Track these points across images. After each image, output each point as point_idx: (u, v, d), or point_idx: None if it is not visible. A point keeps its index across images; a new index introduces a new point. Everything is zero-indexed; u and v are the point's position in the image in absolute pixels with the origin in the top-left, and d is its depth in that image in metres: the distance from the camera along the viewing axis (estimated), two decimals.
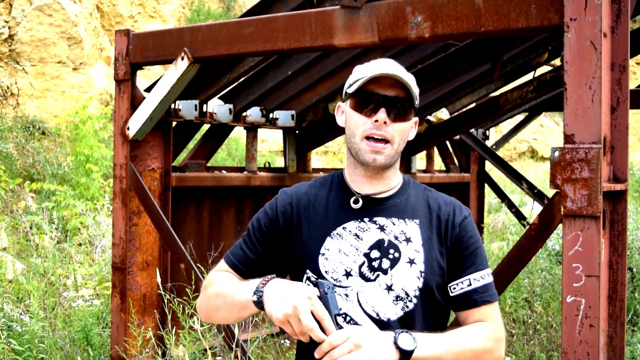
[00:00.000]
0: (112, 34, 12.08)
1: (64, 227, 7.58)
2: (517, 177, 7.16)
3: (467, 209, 2.00)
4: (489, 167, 8.67)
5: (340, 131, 5.94)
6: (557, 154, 2.36)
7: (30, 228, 7.24)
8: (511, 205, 7.84)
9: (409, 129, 1.90)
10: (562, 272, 2.36)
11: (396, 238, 1.89)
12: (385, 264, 1.86)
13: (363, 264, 1.87)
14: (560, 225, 2.60)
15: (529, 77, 6.41)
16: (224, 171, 5.28)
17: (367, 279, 1.85)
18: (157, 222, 4.05)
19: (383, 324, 1.85)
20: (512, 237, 8.64)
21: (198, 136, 7.84)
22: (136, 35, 4.03)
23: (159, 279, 4.03)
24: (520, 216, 7.80)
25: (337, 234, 1.90)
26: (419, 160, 9.27)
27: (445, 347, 1.75)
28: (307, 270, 1.89)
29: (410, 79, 1.88)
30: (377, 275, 1.86)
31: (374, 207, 1.92)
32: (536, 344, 5.19)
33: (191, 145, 8.20)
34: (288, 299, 1.68)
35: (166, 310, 4.04)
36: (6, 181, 7.97)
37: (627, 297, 2.49)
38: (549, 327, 5.35)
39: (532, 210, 9.19)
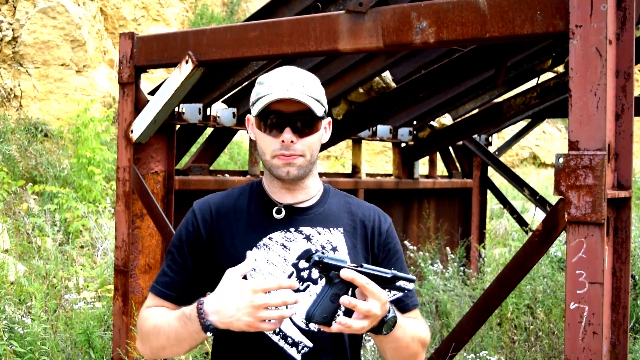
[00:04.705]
0: (116, 37, 12.10)
1: (66, 229, 7.58)
2: (519, 183, 7.16)
3: (389, 217, 2.03)
4: (491, 173, 8.68)
5: (343, 136, 5.94)
6: (561, 160, 2.36)
7: (33, 230, 7.25)
8: (513, 212, 7.83)
9: (318, 138, 1.89)
10: (566, 279, 2.36)
11: (323, 247, 1.89)
12: (315, 274, 1.86)
13: (292, 274, 1.86)
14: (563, 232, 2.60)
15: (532, 83, 6.42)
16: (226, 175, 5.29)
17: (296, 290, 1.82)
18: (159, 225, 4.05)
19: (313, 335, 1.86)
20: (514, 244, 8.64)
21: (201, 140, 7.86)
22: (140, 39, 4.04)
23: None
24: (522, 222, 7.79)
25: (264, 245, 1.88)
26: (422, 166, 9.27)
27: (409, 328, 1.84)
28: None
29: (312, 86, 1.85)
30: (307, 286, 1.86)
31: (297, 216, 1.92)
32: (538, 350, 5.18)
33: (194, 148, 8.22)
34: (233, 305, 1.64)
35: None
36: (9, 183, 7.98)
37: (630, 304, 2.49)
38: (551, 334, 5.34)
39: (534, 216, 9.17)
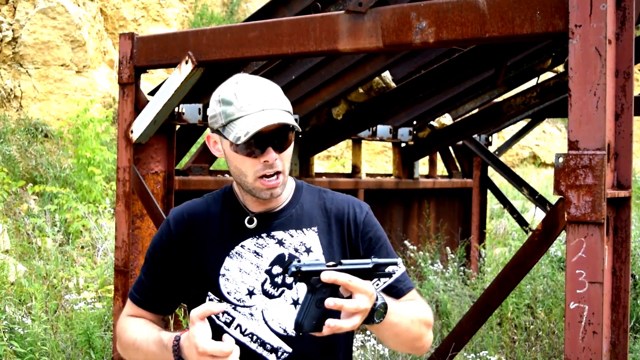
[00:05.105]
0: (116, 38, 12.10)
1: (66, 229, 7.58)
2: (519, 183, 7.16)
3: (366, 204, 1.97)
4: (491, 172, 8.67)
5: (343, 136, 5.95)
6: (561, 160, 2.36)
7: (33, 230, 7.25)
8: (513, 211, 7.84)
9: (293, 146, 1.86)
10: (566, 279, 2.36)
11: (296, 250, 1.85)
12: (289, 278, 1.82)
13: (265, 281, 1.84)
14: (563, 232, 2.60)
15: (532, 83, 6.42)
16: (226, 175, 5.29)
17: (271, 296, 1.83)
18: (160, 226, 4.05)
19: (292, 340, 1.84)
20: (514, 243, 8.64)
21: (201, 140, 7.86)
22: (140, 39, 4.04)
23: None
24: (522, 222, 7.80)
25: (237, 253, 1.86)
26: (422, 166, 9.27)
27: (405, 312, 1.78)
28: (209, 293, 1.86)
29: (281, 98, 1.80)
30: (282, 291, 1.84)
31: (269, 221, 1.89)
32: (538, 350, 5.18)
33: (194, 148, 8.22)
34: (192, 357, 1.64)
35: None
36: (9, 183, 7.98)
37: (630, 304, 2.49)
38: (551, 334, 5.34)
39: (534, 216, 9.18)
